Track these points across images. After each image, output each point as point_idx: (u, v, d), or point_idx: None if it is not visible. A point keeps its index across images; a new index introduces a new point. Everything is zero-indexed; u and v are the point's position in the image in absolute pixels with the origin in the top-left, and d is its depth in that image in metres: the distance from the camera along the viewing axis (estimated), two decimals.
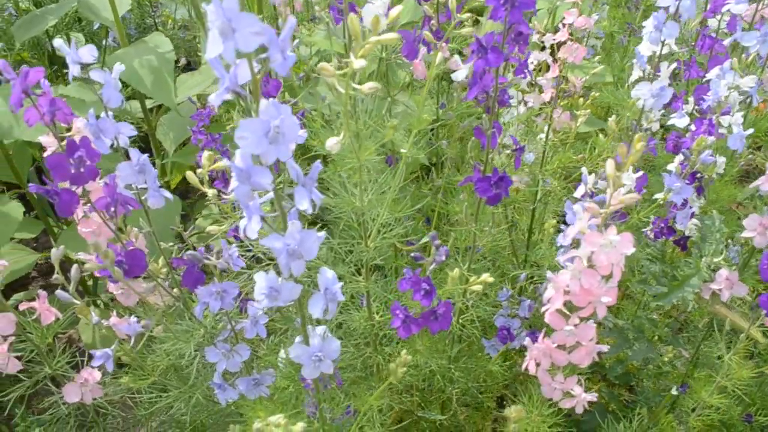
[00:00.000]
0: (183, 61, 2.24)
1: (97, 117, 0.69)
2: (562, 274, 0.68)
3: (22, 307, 0.95)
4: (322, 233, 0.59)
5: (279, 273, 0.59)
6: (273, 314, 0.98)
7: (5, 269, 0.89)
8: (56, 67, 1.92)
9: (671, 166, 1.10)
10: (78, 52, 0.65)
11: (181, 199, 1.57)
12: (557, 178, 1.25)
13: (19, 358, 0.98)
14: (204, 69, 1.47)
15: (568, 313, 0.73)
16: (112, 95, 0.67)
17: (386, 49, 1.11)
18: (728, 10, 1.16)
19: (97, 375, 1.00)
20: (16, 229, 1.43)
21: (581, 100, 1.16)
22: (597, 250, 0.64)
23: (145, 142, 1.74)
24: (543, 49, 1.27)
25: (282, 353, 1.00)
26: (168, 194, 0.80)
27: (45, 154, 0.78)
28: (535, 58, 1.27)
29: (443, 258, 0.75)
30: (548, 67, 1.25)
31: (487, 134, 0.76)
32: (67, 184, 0.67)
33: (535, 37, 1.28)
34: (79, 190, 0.70)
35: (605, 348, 0.75)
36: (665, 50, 1.07)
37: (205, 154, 0.68)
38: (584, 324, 0.71)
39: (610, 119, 1.15)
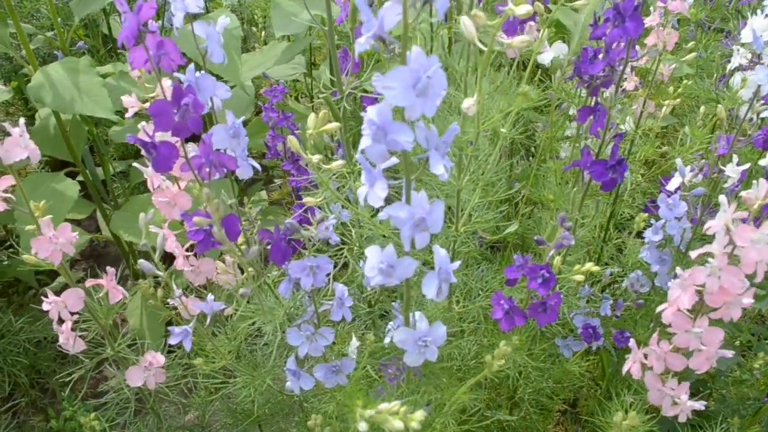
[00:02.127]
0: None
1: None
2: (698, 271, 0.61)
3: (88, 283, 0.91)
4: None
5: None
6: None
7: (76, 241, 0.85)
8: (111, 46, 1.90)
9: (763, 162, 1.04)
10: (185, 0, 0.60)
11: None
12: (638, 171, 1.19)
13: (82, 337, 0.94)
14: (265, 49, 1.43)
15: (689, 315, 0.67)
16: (215, 50, 0.63)
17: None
18: None
19: (161, 359, 0.96)
20: (70, 209, 1.40)
21: (671, 89, 1.10)
22: (747, 245, 0.57)
23: None
24: None
25: (354, 341, 0.95)
26: (256, 164, 0.75)
27: (127, 115, 0.74)
28: None
29: (571, 242, 0.68)
30: None
31: (609, 110, 0.70)
32: (167, 136, 0.62)
33: None
34: (179, 144, 0.65)
35: (730, 353, 0.68)
36: None
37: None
38: (712, 326, 0.65)
39: (700, 109, 1.09)
